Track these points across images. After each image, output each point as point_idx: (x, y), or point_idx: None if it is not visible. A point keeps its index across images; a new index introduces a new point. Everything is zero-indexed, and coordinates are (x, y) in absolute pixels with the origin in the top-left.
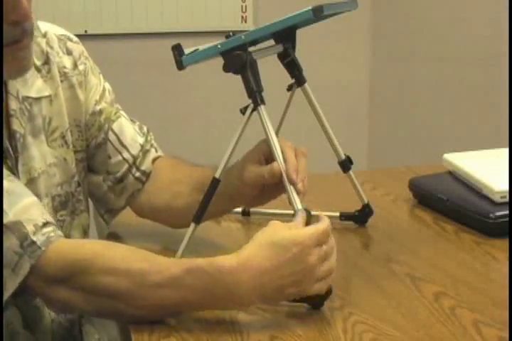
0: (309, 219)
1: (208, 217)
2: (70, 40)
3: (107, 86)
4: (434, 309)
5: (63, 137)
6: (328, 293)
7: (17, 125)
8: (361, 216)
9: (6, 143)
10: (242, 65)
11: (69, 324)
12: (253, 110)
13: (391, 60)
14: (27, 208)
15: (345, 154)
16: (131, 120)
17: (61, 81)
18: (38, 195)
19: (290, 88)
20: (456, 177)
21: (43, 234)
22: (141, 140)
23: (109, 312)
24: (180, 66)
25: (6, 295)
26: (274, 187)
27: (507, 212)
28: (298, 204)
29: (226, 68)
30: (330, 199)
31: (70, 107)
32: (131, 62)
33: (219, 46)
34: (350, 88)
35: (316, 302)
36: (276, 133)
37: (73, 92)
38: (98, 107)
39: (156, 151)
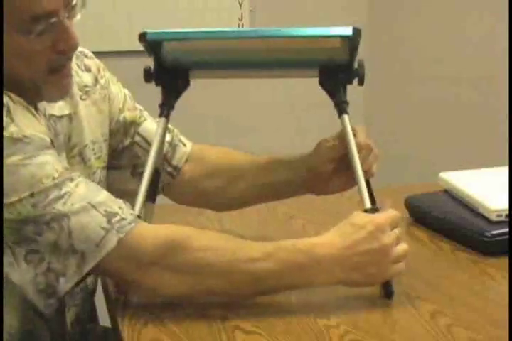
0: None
1: (274, 197)
2: (86, 56)
3: (126, 92)
4: (430, 327)
5: (80, 154)
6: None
7: None
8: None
9: None
10: (150, 77)
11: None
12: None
13: (386, 79)
14: (110, 196)
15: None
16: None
17: (84, 99)
18: None
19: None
20: (452, 195)
21: (131, 213)
22: (168, 137)
23: (202, 291)
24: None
25: (86, 269)
26: (342, 177)
27: (503, 230)
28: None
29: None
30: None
31: (97, 123)
32: (129, 80)
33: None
34: None
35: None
36: None
37: (98, 108)
38: (122, 115)
39: (185, 145)
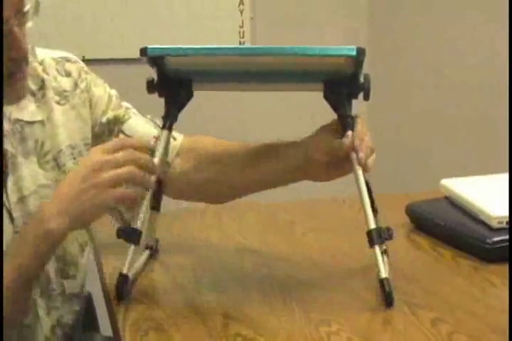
0: None
1: (269, 185)
2: (68, 60)
3: (113, 92)
4: (431, 335)
5: (55, 159)
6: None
7: (8, 145)
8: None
9: None
10: (153, 89)
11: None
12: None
13: (387, 88)
14: None
15: (379, 226)
16: (143, 115)
17: (62, 104)
18: (29, 213)
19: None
20: (453, 202)
21: None
22: (155, 132)
23: None
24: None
25: None
26: (340, 163)
27: (504, 237)
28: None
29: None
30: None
31: (76, 128)
32: (129, 88)
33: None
34: None
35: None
36: None
37: (77, 112)
38: (105, 117)
39: (175, 139)
